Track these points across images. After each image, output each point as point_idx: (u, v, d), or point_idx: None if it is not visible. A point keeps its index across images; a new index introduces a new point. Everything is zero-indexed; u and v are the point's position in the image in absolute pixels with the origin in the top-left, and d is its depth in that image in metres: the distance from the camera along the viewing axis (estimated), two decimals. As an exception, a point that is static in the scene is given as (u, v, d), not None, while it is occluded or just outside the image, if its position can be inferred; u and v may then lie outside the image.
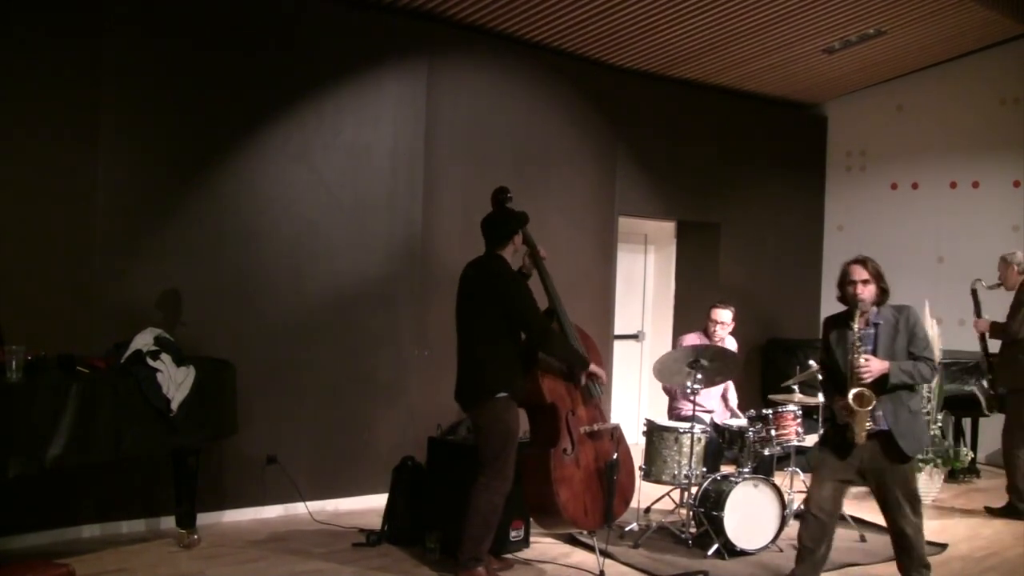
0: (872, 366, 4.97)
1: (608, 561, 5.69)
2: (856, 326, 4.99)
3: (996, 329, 7.65)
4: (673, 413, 7.30)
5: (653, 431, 6.33)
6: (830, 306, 7.88)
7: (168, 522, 6.00)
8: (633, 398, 9.91)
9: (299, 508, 6.67)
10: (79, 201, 5.92)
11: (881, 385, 4.98)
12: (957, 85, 9.79)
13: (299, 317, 6.73)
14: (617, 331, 9.27)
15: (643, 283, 10.07)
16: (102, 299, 5.98)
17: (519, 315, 5.26)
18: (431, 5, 7.10)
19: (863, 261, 5.14)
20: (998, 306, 7.81)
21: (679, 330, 9.09)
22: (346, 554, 5.82)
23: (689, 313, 9.50)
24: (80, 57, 5.89)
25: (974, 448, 8.71)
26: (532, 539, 6.01)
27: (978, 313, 7.81)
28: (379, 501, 6.45)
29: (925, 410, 7.64)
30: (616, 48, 8.28)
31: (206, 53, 6.35)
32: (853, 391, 4.90)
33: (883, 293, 5.14)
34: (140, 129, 6.14)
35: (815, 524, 5.20)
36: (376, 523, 6.21)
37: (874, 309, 5.12)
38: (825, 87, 10.08)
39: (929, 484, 7.70)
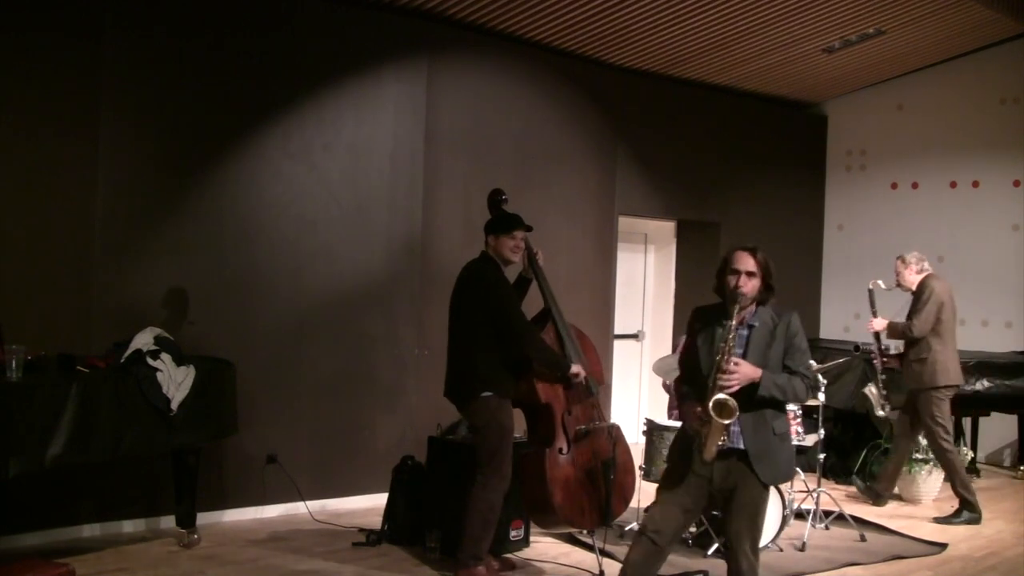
0: (741, 371, 4.17)
1: (607, 561, 5.69)
2: (732, 323, 4.23)
3: (894, 329, 7.47)
4: (673, 413, 7.30)
5: (653, 431, 6.33)
6: (830, 306, 7.89)
7: (168, 522, 6.01)
8: (633, 398, 9.91)
9: (299, 508, 6.67)
10: (79, 201, 5.92)
11: (746, 397, 4.18)
12: (957, 84, 9.79)
13: (299, 316, 6.73)
14: (617, 331, 9.27)
15: (643, 283, 10.07)
16: (102, 299, 5.98)
17: (499, 320, 5.28)
18: (431, 4, 7.10)
19: (752, 250, 4.37)
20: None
21: (679, 330, 9.08)
22: (346, 553, 5.82)
23: (689, 313, 9.48)
24: (80, 57, 5.89)
25: (974, 448, 8.71)
26: (532, 539, 6.02)
27: (874, 313, 7.61)
28: (379, 500, 6.45)
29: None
30: (616, 47, 8.28)
31: (206, 53, 6.34)
32: (714, 398, 4.11)
33: (768, 291, 4.37)
34: (140, 129, 6.14)
35: (644, 547, 4.35)
36: (376, 522, 6.21)
37: (752, 308, 4.36)
38: (825, 87, 10.08)
39: (929, 484, 7.70)
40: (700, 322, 4.45)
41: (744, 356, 4.25)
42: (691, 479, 4.31)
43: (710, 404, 4.08)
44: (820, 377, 6.86)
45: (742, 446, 4.22)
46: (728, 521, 4.36)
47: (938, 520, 7.15)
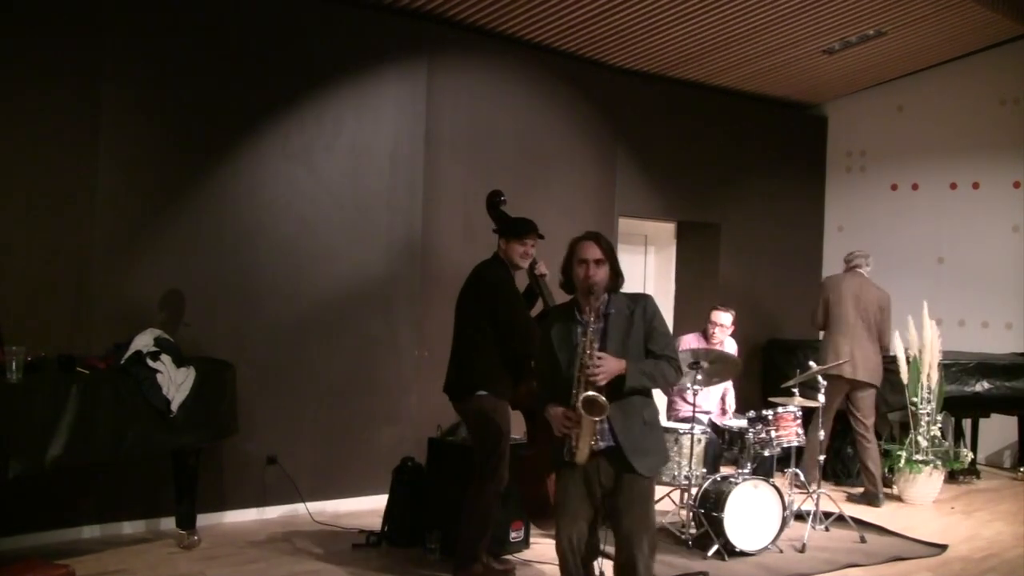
0: (607, 364, 4.00)
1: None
2: (590, 317, 4.10)
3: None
4: (672, 414, 7.31)
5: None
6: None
7: (168, 523, 6.00)
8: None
9: (299, 509, 6.67)
10: (79, 202, 5.92)
11: (612, 390, 4.04)
12: (957, 86, 9.79)
13: (299, 317, 6.73)
14: (617, 332, 9.25)
15: (643, 284, 10.07)
16: (102, 300, 5.98)
17: (503, 320, 5.28)
18: (431, 6, 7.11)
19: (596, 237, 4.22)
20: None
21: (679, 330, 9.08)
22: (346, 555, 5.82)
23: (689, 314, 9.50)
24: (80, 57, 5.89)
25: (974, 449, 8.71)
26: (532, 540, 6.01)
27: None
28: (379, 502, 6.44)
29: (926, 410, 7.67)
30: (616, 49, 8.28)
31: (205, 53, 6.35)
32: (583, 396, 3.95)
33: (616, 277, 4.22)
34: (139, 130, 6.14)
35: (574, 568, 4.23)
36: (376, 524, 6.21)
37: (605, 297, 4.18)
38: (825, 88, 10.08)
39: (929, 485, 7.70)
40: (555, 324, 4.22)
41: (604, 347, 4.09)
42: (578, 488, 4.15)
43: (579, 403, 3.94)
44: (820, 379, 6.87)
45: (614, 442, 4.08)
46: (618, 521, 4.16)
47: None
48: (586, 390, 3.97)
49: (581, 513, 4.17)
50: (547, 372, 4.23)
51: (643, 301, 4.22)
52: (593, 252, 4.15)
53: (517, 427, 5.57)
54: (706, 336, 7.31)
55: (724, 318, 7.27)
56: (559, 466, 4.20)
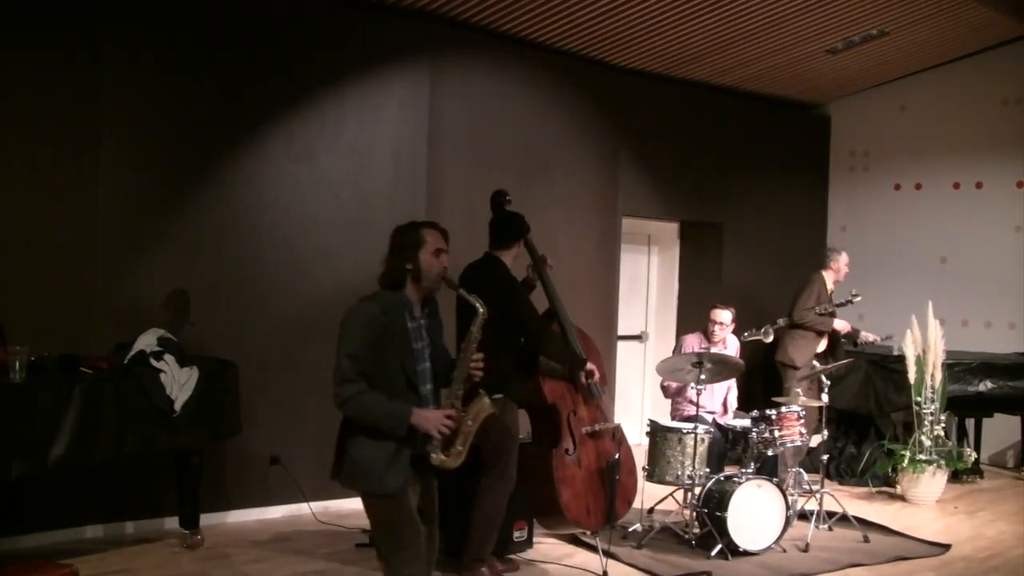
0: (481, 356, 3.85)
1: (611, 562, 5.69)
2: (480, 310, 3.92)
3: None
4: (676, 414, 7.31)
5: (656, 432, 6.32)
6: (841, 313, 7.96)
7: (171, 523, 6.01)
8: (636, 399, 9.91)
9: (302, 509, 6.67)
10: (81, 201, 5.92)
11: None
12: (960, 86, 9.79)
13: (302, 317, 6.73)
14: (620, 332, 9.27)
15: (646, 284, 10.07)
16: (105, 300, 5.98)
17: (515, 318, 5.26)
18: (434, 5, 7.11)
19: (435, 224, 3.98)
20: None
21: (682, 330, 9.08)
22: (349, 555, 5.82)
23: (692, 314, 9.49)
24: (82, 56, 5.89)
25: (977, 448, 8.70)
26: (535, 540, 6.00)
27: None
28: (382, 502, 6.44)
29: (929, 410, 7.67)
30: (619, 49, 8.28)
31: (208, 53, 6.35)
32: (481, 392, 3.84)
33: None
34: (142, 130, 6.14)
35: None
36: (379, 524, 6.20)
37: None
38: (828, 88, 10.07)
39: (932, 484, 7.69)
40: (383, 318, 3.82)
41: (434, 342, 3.90)
42: (411, 501, 3.87)
43: (485, 400, 3.81)
44: (823, 378, 6.88)
45: None
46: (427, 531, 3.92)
47: None
48: (463, 389, 3.82)
49: (419, 528, 3.89)
50: (388, 373, 3.79)
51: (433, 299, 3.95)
52: (444, 242, 3.93)
53: (522, 426, 5.56)
54: (707, 335, 7.31)
55: (724, 316, 7.28)
56: (397, 485, 3.75)
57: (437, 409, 3.81)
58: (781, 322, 7.56)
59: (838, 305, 7.83)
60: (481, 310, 3.88)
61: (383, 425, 3.73)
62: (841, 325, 7.95)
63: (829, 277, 8.01)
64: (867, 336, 8.24)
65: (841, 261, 8.06)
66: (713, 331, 7.27)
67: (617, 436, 5.72)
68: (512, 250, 5.44)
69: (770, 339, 7.19)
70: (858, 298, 7.80)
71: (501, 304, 5.25)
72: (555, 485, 5.33)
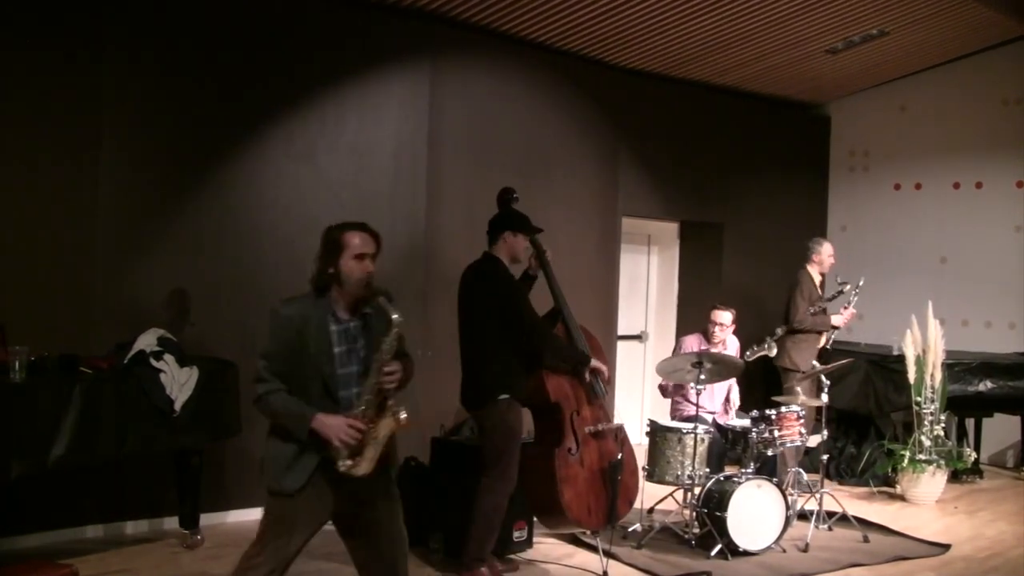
0: (397, 369, 3.68)
1: (611, 562, 5.69)
2: (349, 317, 3.75)
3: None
4: (676, 414, 7.31)
5: (656, 432, 6.33)
6: (834, 307, 7.91)
7: (171, 522, 6.01)
8: (636, 399, 9.91)
9: (302, 509, 6.66)
10: (81, 201, 5.93)
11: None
12: (960, 86, 9.78)
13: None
14: (620, 332, 9.27)
15: (646, 284, 10.07)
16: (105, 300, 5.98)
17: (513, 317, 5.26)
18: (434, 5, 7.10)
19: (370, 229, 3.89)
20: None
21: (682, 331, 9.08)
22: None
23: (692, 314, 9.48)
24: (82, 56, 5.89)
25: (977, 448, 8.70)
26: (535, 539, 6.01)
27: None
28: (382, 502, 6.44)
29: (929, 410, 7.67)
30: (619, 48, 8.28)
31: (208, 54, 6.35)
32: (391, 403, 3.68)
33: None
34: (143, 130, 6.14)
35: None
36: (379, 524, 6.20)
37: None
38: (828, 88, 10.07)
39: (932, 484, 7.69)
40: (299, 319, 3.67)
41: (367, 349, 3.72)
42: (308, 514, 3.70)
43: (400, 415, 3.64)
44: (823, 378, 6.88)
45: None
46: (376, 546, 3.81)
47: None
48: (378, 398, 3.65)
49: (303, 535, 3.74)
50: (303, 377, 3.66)
51: (388, 293, 3.81)
52: (371, 246, 3.81)
53: (525, 425, 5.55)
54: (707, 336, 7.31)
55: (724, 317, 7.28)
56: (294, 487, 3.64)
57: (344, 416, 3.62)
58: (779, 332, 7.50)
59: (829, 299, 7.75)
60: (395, 317, 3.67)
61: (287, 426, 3.65)
62: (839, 320, 7.86)
63: (814, 271, 7.92)
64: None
65: (824, 252, 7.95)
66: (713, 332, 7.26)
67: (620, 436, 5.72)
68: (502, 243, 5.41)
69: (775, 351, 7.13)
70: (847, 286, 7.65)
71: (500, 304, 5.26)
72: (557, 484, 5.32)
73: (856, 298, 7.77)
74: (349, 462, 3.62)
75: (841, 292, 7.66)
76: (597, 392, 5.65)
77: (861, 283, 7.72)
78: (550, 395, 5.44)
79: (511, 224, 5.43)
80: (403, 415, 3.67)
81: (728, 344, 7.36)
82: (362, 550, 3.86)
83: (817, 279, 7.91)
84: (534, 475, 5.44)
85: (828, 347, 7.92)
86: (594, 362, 5.55)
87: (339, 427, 3.58)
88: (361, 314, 3.78)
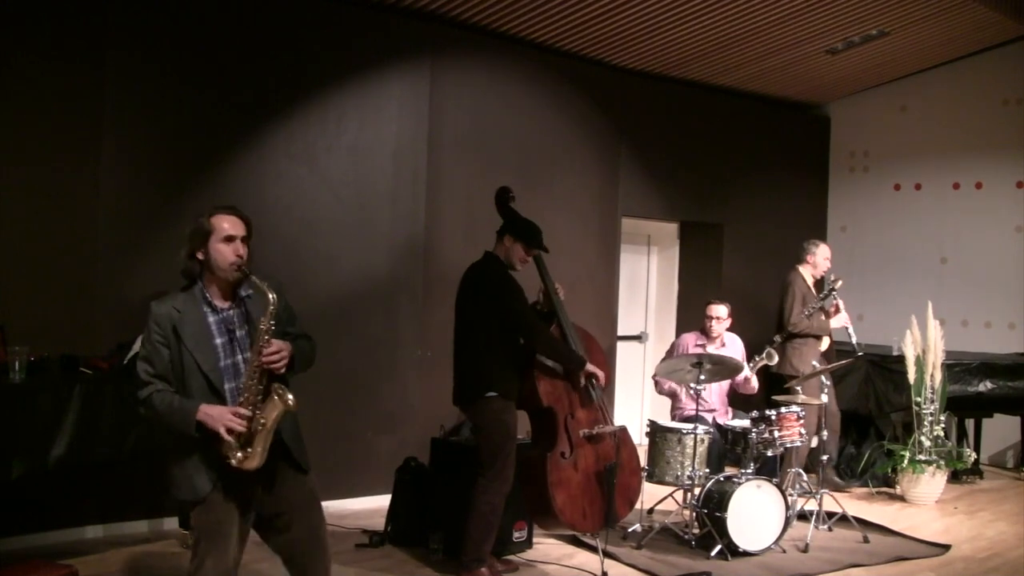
0: (286, 347, 3.58)
1: (611, 562, 5.69)
2: (225, 304, 3.65)
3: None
4: (676, 414, 7.30)
5: (656, 432, 6.33)
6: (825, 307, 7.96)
7: (171, 523, 6.02)
8: (636, 399, 9.91)
9: (302, 509, 6.65)
10: (82, 201, 5.93)
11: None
12: (960, 86, 9.78)
13: (302, 317, 6.69)
14: (620, 332, 9.27)
15: (646, 284, 10.07)
16: (105, 300, 5.98)
17: (510, 315, 5.26)
18: (434, 6, 7.11)
19: (239, 211, 3.72)
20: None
21: (682, 331, 9.09)
22: (349, 555, 5.82)
23: (692, 314, 9.48)
24: (83, 56, 5.89)
25: (977, 449, 8.70)
26: (535, 540, 6.02)
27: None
28: (382, 502, 6.45)
29: (929, 411, 7.67)
30: (619, 49, 8.28)
31: (208, 54, 6.35)
32: (277, 387, 3.55)
33: (250, 259, 3.68)
34: (143, 129, 6.14)
35: None
36: (379, 524, 6.21)
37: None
38: (828, 88, 10.08)
39: (932, 485, 7.69)
40: (177, 314, 3.60)
41: (249, 334, 3.62)
42: (231, 506, 3.62)
43: (287, 397, 3.51)
44: (824, 379, 6.88)
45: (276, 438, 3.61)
46: (298, 534, 3.77)
47: None
48: (260, 381, 3.53)
49: (234, 538, 3.65)
50: (185, 373, 3.57)
51: (275, 283, 3.65)
52: (240, 228, 3.64)
53: (522, 427, 5.55)
54: (705, 332, 7.30)
55: (720, 310, 7.28)
56: (207, 489, 3.57)
57: (229, 406, 3.53)
58: (778, 339, 7.47)
59: (823, 299, 7.70)
60: (272, 296, 3.55)
61: (175, 425, 3.54)
62: (839, 321, 7.82)
63: (807, 272, 7.83)
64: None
65: (819, 255, 7.85)
66: (711, 326, 7.26)
67: (619, 438, 5.69)
68: (501, 245, 5.40)
69: (776, 359, 7.10)
70: (839, 283, 7.59)
71: (499, 302, 5.26)
72: (549, 488, 5.29)
73: (837, 298, 7.72)
74: (240, 455, 3.51)
75: (833, 290, 7.61)
76: (593, 395, 5.62)
77: (838, 284, 7.66)
78: (542, 399, 5.39)
79: (514, 229, 5.43)
80: (290, 397, 3.52)
81: (728, 341, 7.35)
82: (285, 548, 3.84)
83: (810, 280, 7.85)
84: (528, 478, 5.43)
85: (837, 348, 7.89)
86: (589, 366, 5.53)
87: (222, 416, 3.47)
88: (239, 299, 3.68)
